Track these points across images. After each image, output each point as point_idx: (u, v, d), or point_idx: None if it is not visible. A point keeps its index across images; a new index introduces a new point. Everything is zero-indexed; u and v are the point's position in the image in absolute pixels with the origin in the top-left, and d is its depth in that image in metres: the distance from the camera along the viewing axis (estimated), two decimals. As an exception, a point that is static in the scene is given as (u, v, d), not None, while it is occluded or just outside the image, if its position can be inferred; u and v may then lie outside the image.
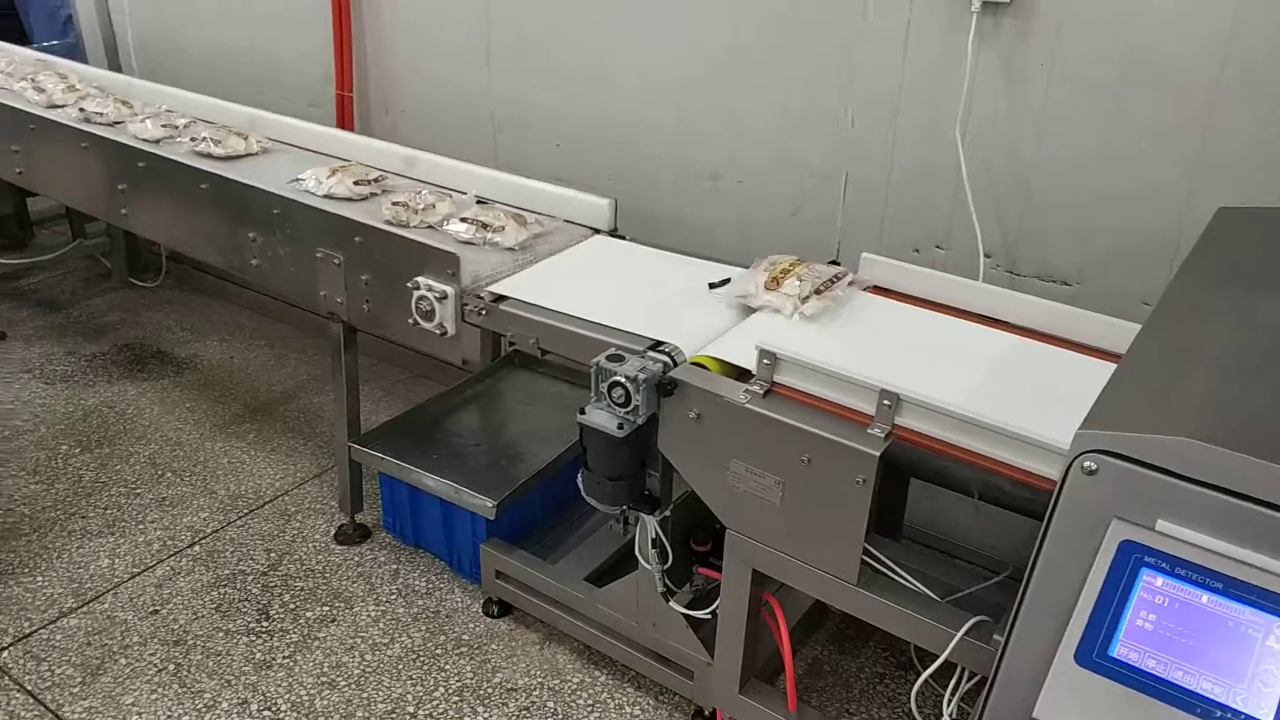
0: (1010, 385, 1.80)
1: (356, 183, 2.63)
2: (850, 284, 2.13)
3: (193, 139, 2.89)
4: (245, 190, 2.54)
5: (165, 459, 3.12)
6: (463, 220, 2.44)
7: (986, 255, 2.42)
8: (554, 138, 3.10)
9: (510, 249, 2.39)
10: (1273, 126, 2.04)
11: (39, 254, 4.22)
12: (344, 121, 3.51)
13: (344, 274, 2.39)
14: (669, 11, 2.74)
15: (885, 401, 1.66)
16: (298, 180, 2.65)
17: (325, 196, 2.57)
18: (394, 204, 2.49)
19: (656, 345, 1.93)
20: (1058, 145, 2.28)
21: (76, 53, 4.34)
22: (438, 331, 2.23)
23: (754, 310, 2.08)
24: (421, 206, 2.48)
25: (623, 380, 1.80)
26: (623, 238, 2.54)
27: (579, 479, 1.98)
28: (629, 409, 1.82)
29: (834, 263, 2.32)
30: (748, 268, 2.19)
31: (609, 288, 2.23)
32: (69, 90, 3.26)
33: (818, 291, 2.05)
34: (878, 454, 1.63)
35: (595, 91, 2.96)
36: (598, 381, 1.84)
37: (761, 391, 1.77)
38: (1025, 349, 1.95)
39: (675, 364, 1.88)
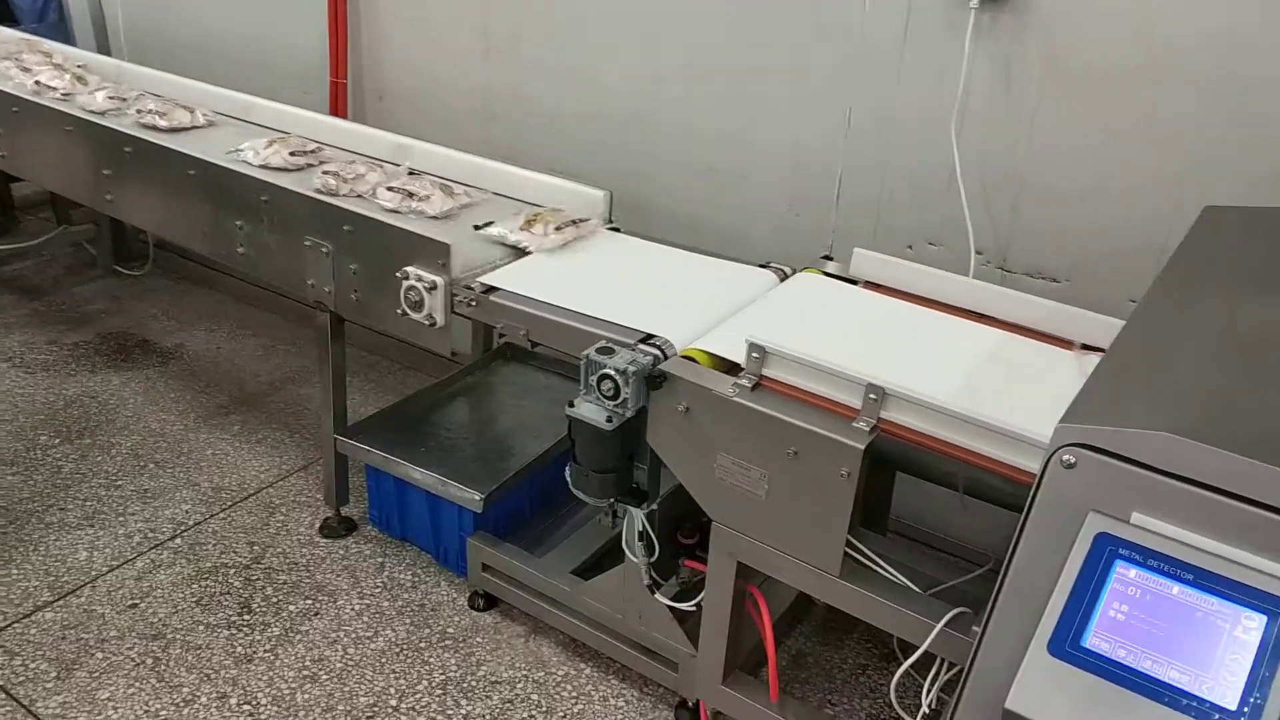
0: (996, 380, 1.82)
1: (292, 153, 2.69)
2: (592, 228, 2.45)
3: (138, 110, 2.93)
4: (231, 176, 2.52)
5: (148, 450, 3.11)
6: (389, 189, 2.50)
7: (978, 252, 2.43)
8: (550, 128, 3.10)
9: (434, 217, 2.44)
10: (1261, 126, 2.06)
11: (22, 240, 4.19)
12: (337, 108, 3.50)
13: (332, 263, 2.38)
14: (668, 5, 2.74)
15: (871, 395, 1.67)
16: (236, 151, 2.70)
17: (262, 166, 2.64)
18: (325, 173, 2.54)
19: (647, 338, 1.94)
20: (1051, 143, 2.30)
21: (60, 34, 4.29)
22: (427, 322, 2.23)
23: (510, 246, 2.35)
24: (352, 176, 2.55)
25: (612, 373, 1.81)
26: (617, 230, 2.55)
27: (567, 472, 1.98)
28: (618, 402, 1.82)
29: (827, 258, 2.34)
30: (740, 262, 2.22)
31: (601, 280, 2.23)
32: (55, 70, 3.23)
33: (559, 229, 2.36)
34: (862, 447, 1.65)
35: (592, 83, 2.96)
36: (587, 374, 1.85)
37: (750, 385, 1.78)
38: (1012, 344, 1.96)
39: (665, 357, 1.89)
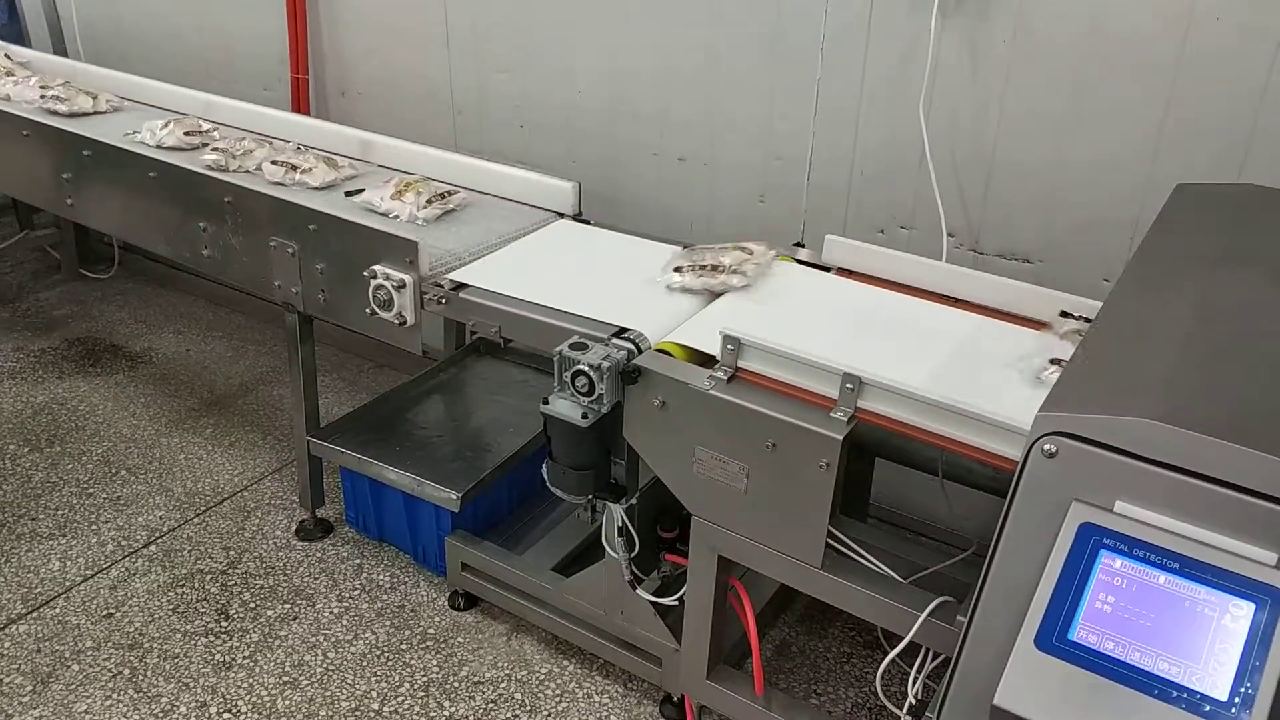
0: (972, 365, 1.80)
1: (187, 133, 2.77)
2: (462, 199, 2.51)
3: (41, 95, 2.97)
4: (194, 178, 2.47)
5: (119, 457, 3.05)
6: (274, 163, 2.56)
7: (950, 235, 2.42)
8: (516, 120, 3.06)
9: (317, 189, 2.51)
10: (1229, 103, 2.05)
11: (-17, 247, 4.11)
12: (299, 105, 3.43)
13: (299, 263, 2.34)
14: (627, -8, 2.70)
15: (848, 385, 1.65)
16: (134, 133, 2.77)
17: (157, 147, 2.71)
18: (214, 150, 2.63)
19: (621, 332, 1.91)
20: (1020, 122, 2.28)
21: (13, 36, 4.18)
22: (396, 321, 2.19)
23: (381, 214, 2.40)
24: (240, 153, 2.63)
25: (586, 369, 1.78)
26: (587, 222, 2.51)
27: (544, 469, 1.95)
28: (593, 398, 1.80)
29: (798, 245, 2.32)
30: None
31: (572, 273, 2.20)
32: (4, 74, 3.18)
33: (429, 201, 2.42)
34: (841, 438, 1.63)
35: (558, 74, 2.91)
36: (561, 370, 1.82)
37: (725, 377, 1.76)
38: (987, 327, 1.95)
39: (640, 351, 1.86)
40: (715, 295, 2.07)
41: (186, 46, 3.78)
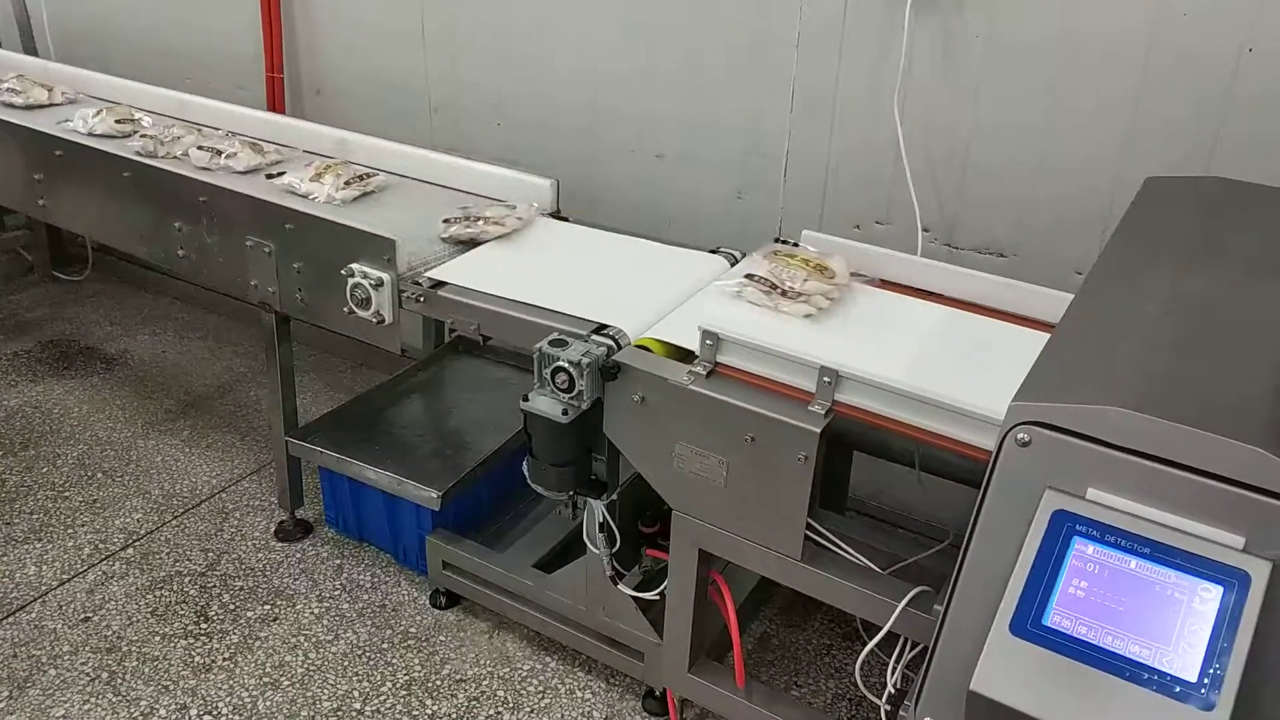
0: (948, 358, 1.82)
1: (119, 121, 2.82)
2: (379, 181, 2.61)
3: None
4: (169, 178, 2.46)
5: (95, 459, 3.02)
6: (200, 149, 2.63)
7: (925, 229, 2.44)
8: (494, 118, 3.06)
9: (242, 173, 2.57)
10: (1198, 98, 2.08)
11: (-46, 250, 4.06)
12: (274, 104, 3.41)
13: (275, 262, 2.33)
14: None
15: (825, 379, 1.67)
16: (66, 121, 2.83)
17: (89, 134, 2.76)
18: (143, 137, 2.69)
19: (600, 329, 1.92)
20: (993, 117, 2.31)
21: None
22: (375, 319, 2.18)
23: (300, 195, 2.46)
24: (169, 139, 2.69)
25: (566, 365, 1.78)
26: (565, 219, 2.52)
27: (524, 466, 1.96)
28: (573, 394, 1.80)
29: (778, 240, 2.33)
30: (690, 248, 2.20)
31: (551, 271, 2.20)
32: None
33: (347, 183, 2.50)
34: (818, 431, 1.64)
35: (535, 71, 2.91)
36: (541, 367, 1.82)
37: (705, 372, 1.77)
38: (962, 321, 1.97)
39: (619, 347, 1.87)
40: (477, 244, 2.32)
41: (159, 46, 3.74)
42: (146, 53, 3.77)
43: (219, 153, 2.61)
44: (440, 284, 2.13)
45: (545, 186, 2.51)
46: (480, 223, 2.32)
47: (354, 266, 2.16)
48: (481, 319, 2.07)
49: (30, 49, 4.06)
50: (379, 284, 2.13)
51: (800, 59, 2.48)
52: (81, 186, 2.70)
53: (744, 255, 2.27)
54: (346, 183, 2.49)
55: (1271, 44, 1.99)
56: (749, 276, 2.02)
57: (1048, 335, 1.63)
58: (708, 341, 1.77)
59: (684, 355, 1.86)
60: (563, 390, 1.81)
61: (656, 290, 2.10)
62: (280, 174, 2.55)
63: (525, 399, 1.86)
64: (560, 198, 2.54)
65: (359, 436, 2.59)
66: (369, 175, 2.58)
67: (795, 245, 2.20)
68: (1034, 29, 2.19)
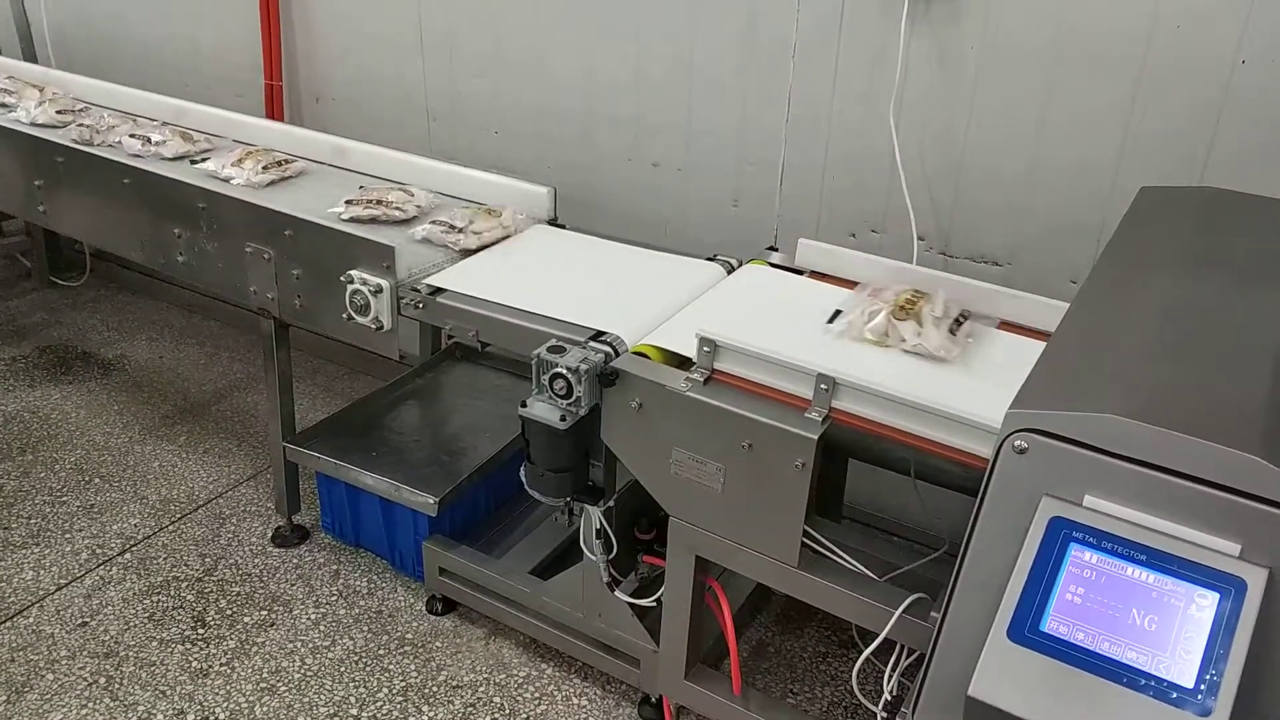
0: (943, 365, 1.83)
1: (59, 111, 2.95)
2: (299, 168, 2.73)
3: None
4: (169, 184, 2.46)
5: (92, 465, 3.02)
6: (132, 136, 2.75)
7: (920, 238, 2.45)
8: (491, 126, 3.06)
9: (171, 159, 2.70)
10: (1192, 109, 2.10)
11: (-49, 255, 4.06)
12: (273, 112, 3.42)
13: (274, 269, 2.33)
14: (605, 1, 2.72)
15: (822, 386, 1.67)
16: (5, 108, 2.98)
17: (31, 124, 2.89)
18: (80, 125, 2.80)
19: (598, 335, 1.92)
20: (988, 127, 2.32)
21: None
22: (373, 326, 2.19)
23: (220, 179, 2.56)
24: (104, 128, 2.81)
25: (564, 372, 1.79)
26: (562, 227, 2.52)
27: (522, 472, 1.96)
28: (571, 400, 1.81)
29: (772, 249, 2.34)
30: (688, 255, 2.20)
31: (549, 278, 2.21)
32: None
33: (265, 168, 2.61)
34: (815, 438, 1.65)
35: (532, 79, 2.92)
36: (539, 373, 1.83)
37: (702, 379, 1.78)
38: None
39: (617, 354, 1.88)
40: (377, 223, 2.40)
41: (158, 53, 3.75)
42: (146, 60, 3.78)
43: (149, 140, 2.73)
44: (439, 290, 2.14)
45: (542, 194, 2.52)
46: (381, 205, 2.42)
47: (353, 273, 2.16)
48: (480, 325, 2.08)
49: (30, 56, 4.08)
50: (378, 290, 2.14)
51: (796, 68, 2.49)
52: (82, 192, 2.71)
53: (741, 263, 2.28)
54: (265, 168, 2.62)
55: (1264, 55, 2.00)
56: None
57: (1043, 343, 1.64)
58: (705, 348, 1.78)
59: (681, 362, 1.86)
60: (560, 396, 1.81)
61: (654, 297, 2.10)
62: (204, 159, 2.69)
63: (523, 405, 1.86)
64: (557, 205, 2.55)
65: (356, 442, 2.59)
66: (287, 162, 2.70)
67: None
68: (1029, 39, 2.21)
